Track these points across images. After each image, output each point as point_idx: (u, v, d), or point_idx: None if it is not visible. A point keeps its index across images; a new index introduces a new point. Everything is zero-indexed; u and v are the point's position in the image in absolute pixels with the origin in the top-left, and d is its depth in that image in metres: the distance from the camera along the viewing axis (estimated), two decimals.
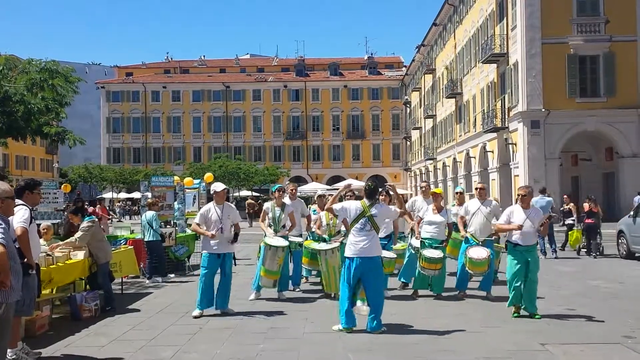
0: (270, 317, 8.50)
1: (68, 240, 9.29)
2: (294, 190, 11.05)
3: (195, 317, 8.46)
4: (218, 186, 9.13)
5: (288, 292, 10.22)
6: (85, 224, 9.29)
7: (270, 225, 10.13)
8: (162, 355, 6.54)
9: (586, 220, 16.56)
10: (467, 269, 9.54)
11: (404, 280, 10.67)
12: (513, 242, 8.35)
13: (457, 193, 12.51)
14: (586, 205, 16.91)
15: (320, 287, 10.58)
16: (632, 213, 15.87)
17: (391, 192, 8.52)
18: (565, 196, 19.08)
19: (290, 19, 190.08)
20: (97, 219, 9.78)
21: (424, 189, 11.24)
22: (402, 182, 67.55)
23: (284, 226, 10.11)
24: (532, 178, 28.85)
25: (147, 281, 12.20)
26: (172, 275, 12.85)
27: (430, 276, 9.67)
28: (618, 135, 29.49)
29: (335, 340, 7.04)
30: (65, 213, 13.18)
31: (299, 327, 7.74)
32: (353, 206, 7.72)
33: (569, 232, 17.38)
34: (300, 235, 10.90)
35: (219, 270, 8.87)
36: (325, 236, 10.18)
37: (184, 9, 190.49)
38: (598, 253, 16.11)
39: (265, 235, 9.99)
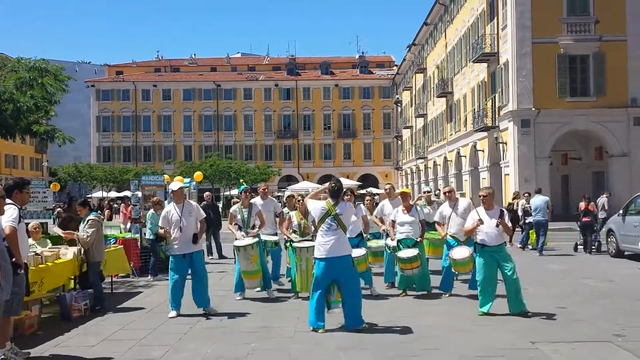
0: (261, 316, 8.48)
1: (80, 234, 9.23)
2: (265, 190, 11.03)
3: (172, 317, 8.42)
4: (174, 185, 9.08)
5: (282, 292, 10.19)
6: (92, 217, 9.35)
7: (240, 228, 10.11)
8: (152, 355, 6.50)
9: (582, 219, 16.94)
10: (453, 270, 9.57)
11: (390, 281, 10.70)
12: (480, 243, 8.38)
13: (424, 192, 12.61)
14: (582, 204, 17.25)
15: None
16: (621, 212, 15.98)
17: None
18: (526, 194, 19.47)
19: (281, 18, 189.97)
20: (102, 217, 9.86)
21: (387, 190, 11.26)
22: (394, 181, 67.64)
23: (253, 226, 10.08)
24: (523, 177, 29.00)
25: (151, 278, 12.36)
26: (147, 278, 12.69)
27: (413, 275, 9.69)
28: (608, 134, 29.66)
29: (326, 339, 7.03)
30: (57, 212, 13.10)
31: (290, 326, 7.74)
32: (318, 206, 7.73)
33: (530, 231, 17.88)
34: (276, 234, 10.86)
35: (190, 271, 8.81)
36: (296, 236, 10.10)
37: (175, 7, 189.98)
38: (594, 249, 16.57)
39: (236, 238, 9.97)
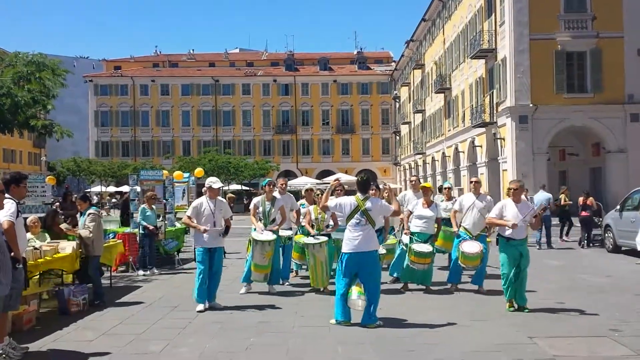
0: (260, 311, 8.50)
1: (81, 230, 9.26)
2: (284, 185, 11.05)
3: (200, 312, 8.43)
4: (215, 183, 9.17)
5: (278, 286, 10.22)
6: (92, 211, 9.40)
7: (260, 220, 10.14)
8: (151, 349, 6.52)
9: (581, 213, 17.47)
10: (459, 262, 9.58)
11: (396, 275, 10.73)
12: (506, 237, 8.38)
13: (445, 188, 12.58)
14: (581, 199, 17.80)
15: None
16: (618, 207, 16.04)
17: (385, 193, 8.53)
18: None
19: (279, 14, 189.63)
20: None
21: (414, 182, 11.31)
22: (392, 177, 67.71)
23: (273, 220, 10.11)
24: (520, 173, 29.02)
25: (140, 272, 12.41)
26: (143, 272, 12.65)
27: (419, 270, 9.70)
28: (605, 130, 29.70)
29: (324, 334, 7.06)
30: (52, 207, 13.10)
31: (288, 321, 7.75)
32: (348, 202, 7.69)
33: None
34: (290, 229, 10.91)
35: None
36: (314, 230, 10.16)
37: (173, 2, 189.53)
38: (596, 244, 16.99)
39: (254, 229, 9.99)
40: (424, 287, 9.94)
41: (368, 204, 7.57)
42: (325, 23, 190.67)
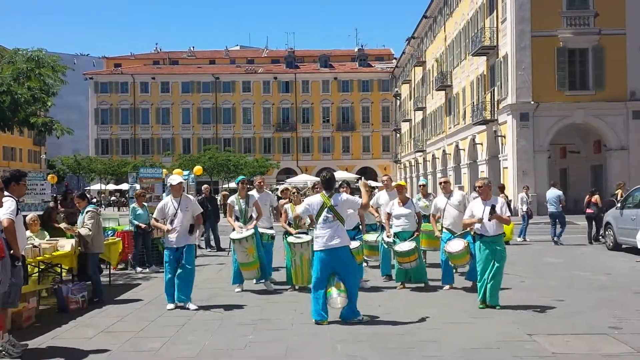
0: (258, 308, 8.49)
1: (80, 229, 9.25)
2: (261, 183, 11.02)
3: (170, 310, 8.42)
4: (174, 179, 9.05)
5: (260, 284, 10.18)
6: (91, 208, 9.39)
7: (237, 219, 10.12)
8: (150, 347, 6.51)
9: (586, 210, 18.00)
10: (450, 263, 9.60)
11: (387, 274, 10.73)
12: (479, 234, 8.39)
13: (420, 186, 12.60)
14: (587, 197, 18.35)
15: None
16: (619, 205, 16.02)
17: (361, 188, 8.47)
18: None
19: (280, 11, 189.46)
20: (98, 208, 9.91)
21: (385, 182, 11.28)
22: (392, 174, 67.66)
23: (250, 217, 10.09)
24: (521, 170, 29.04)
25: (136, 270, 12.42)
26: (141, 269, 12.65)
27: (410, 268, 9.71)
28: (606, 128, 29.68)
29: (323, 331, 7.05)
30: (51, 204, 13.09)
31: (287, 319, 7.75)
32: (315, 201, 7.74)
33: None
34: (272, 228, 10.86)
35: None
36: (292, 229, 10.12)
37: None
38: (602, 240, 17.17)
39: (233, 229, 9.97)
40: (422, 284, 9.94)
41: (332, 201, 7.60)
42: (326, 20, 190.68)
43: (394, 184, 10.80)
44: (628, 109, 29.40)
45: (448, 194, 10.06)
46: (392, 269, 10.42)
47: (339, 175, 47.75)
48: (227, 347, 6.44)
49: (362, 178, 8.66)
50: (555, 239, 17.41)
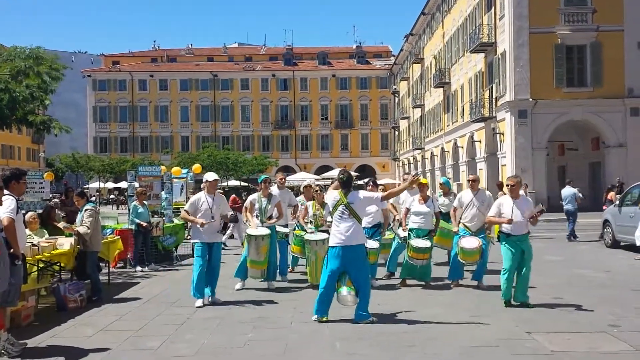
0: (258, 306, 8.49)
1: (79, 227, 9.24)
2: (283, 180, 11.02)
3: (200, 307, 8.42)
4: (210, 176, 9.15)
5: (275, 281, 10.21)
6: (89, 207, 9.39)
7: (257, 216, 10.12)
8: (149, 345, 6.51)
9: (604, 208, 18.26)
10: (459, 258, 9.58)
11: (391, 270, 10.72)
12: (505, 233, 8.37)
13: (441, 184, 12.56)
14: (605, 194, 19.04)
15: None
16: (617, 202, 16.03)
17: (407, 183, 8.41)
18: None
19: (278, 8, 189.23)
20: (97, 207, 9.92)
21: (407, 179, 11.25)
22: (391, 172, 67.73)
23: (270, 217, 10.10)
24: (519, 167, 29.03)
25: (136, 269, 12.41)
26: (140, 268, 12.65)
27: (418, 265, 9.70)
28: (604, 125, 29.69)
29: (323, 330, 7.05)
30: (50, 203, 13.08)
31: (287, 317, 7.75)
32: (331, 196, 7.73)
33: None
34: (287, 226, 10.87)
35: None
36: (311, 227, 10.14)
37: None
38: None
39: (249, 226, 9.98)
40: (423, 282, 9.94)
41: (349, 198, 7.58)
42: (324, 17, 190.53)
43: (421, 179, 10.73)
44: (626, 106, 29.41)
45: (475, 191, 10.01)
46: (398, 266, 10.38)
47: (337, 173, 47.77)
48: (227, 346, 6.44)
49: (418, 174, 8.52)
50: (569, 235, 17.75)
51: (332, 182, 9.63)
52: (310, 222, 10.22)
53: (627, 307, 8.11)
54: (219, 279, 9.08)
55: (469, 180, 10.40)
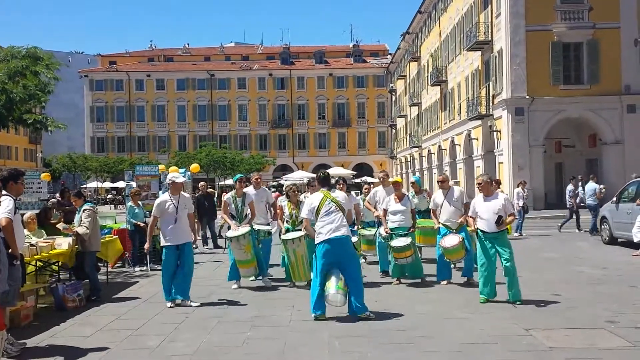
0: (256, 305, 8.50)
1: (78, 228, 9.24)
2: (258, 179, 11.02)
3: (171, 307, 8.44)
4: (178, 177, 9.00)
5: (276, 280, 10.22)
6: (87, 207, 9.40)
7: (233, 217, 10.12)
8: (148, 345, 6.52)
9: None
10: (445, 258, 9.63)
11: (384, 270, 10.76)
12: (480, 230, 8.41)
13: (411, 183, 12.60)
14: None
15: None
16: (614, 199, 16.06)
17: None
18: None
19: (275, 7, 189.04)
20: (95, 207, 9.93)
21: (382, 178, 11.29)
22: (388, 170, 67.71)
23: (245, 216, 10.10)
24: (517, 165, 29.08)
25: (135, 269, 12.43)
26: (139, 268, 12.65)
27: (406, 264, 9.75)
28: (601, 122, 29.71)
29: (321, 328, 7.06)
30: (48, 203, 13.09)
31: (285, 315, 7.76)
32: (315, 197, 7.77)
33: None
34: (268, 224, 10.83)
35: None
36: (285, 226, 10.15)
37: None
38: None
39: (229, 227, 9.97)
40: (418, 279, 9.97)
41: (334, 194, 7.71)
42: (321, 16, 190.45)
43: (390, 180, 10.84)
44: (623, 103, 29.42)
45: (446, 190, 10.09)
46: (389, 264, 10.43)
47: (335, 171, 47.76)
48: (225, 345, 6.46)
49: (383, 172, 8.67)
50: (590, 229, 17.99)
51: (308, 187, 9.76)
52: (287, 221, 10.22)
53: (625, 303, 8.13)
54: (216, 280, 9.07)
55: (438, 182, 10.52)
